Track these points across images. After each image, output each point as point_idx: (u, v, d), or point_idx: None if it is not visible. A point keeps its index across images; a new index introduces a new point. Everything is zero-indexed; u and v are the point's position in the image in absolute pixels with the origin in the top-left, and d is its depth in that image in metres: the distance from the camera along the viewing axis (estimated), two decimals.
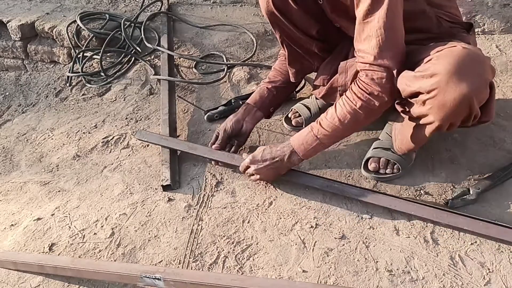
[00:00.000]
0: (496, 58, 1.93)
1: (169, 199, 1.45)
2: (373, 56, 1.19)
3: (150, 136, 1.66)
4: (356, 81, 1.26)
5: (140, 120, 1.89)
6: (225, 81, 2.03)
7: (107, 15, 2.39)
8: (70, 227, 1.39)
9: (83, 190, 1.55)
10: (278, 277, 1.18)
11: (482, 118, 1.20)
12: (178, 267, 1.23)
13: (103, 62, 2.21)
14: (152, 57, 2.24)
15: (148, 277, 1.14)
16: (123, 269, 1.18)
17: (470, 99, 1.11)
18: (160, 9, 2.47)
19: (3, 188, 1.64)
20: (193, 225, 1.35)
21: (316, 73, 1.60)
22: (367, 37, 1.19)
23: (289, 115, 1.70)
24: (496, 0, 2.00)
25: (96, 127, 1.88)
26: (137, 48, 2.26)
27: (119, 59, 2.25)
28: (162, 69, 2.10)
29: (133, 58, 2.24)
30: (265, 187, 1.44)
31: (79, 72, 2.24)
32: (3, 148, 1.89)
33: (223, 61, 2.12)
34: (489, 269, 1.14)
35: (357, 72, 1.32)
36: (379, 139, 1.49)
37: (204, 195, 1.45)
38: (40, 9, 2.58)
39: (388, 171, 1.42)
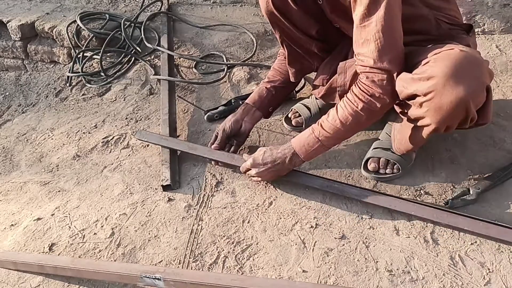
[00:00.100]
0: (496, 58, 1.93)
1: (169, 199, 1.45)
2: (372, 59, 1.19)
3: (150, 136, 1.66)
4: (357, 83, 1.26)
5: (140, 120, 1.89)
6: (225, 81, 2.03)
7: (107, 15, 2.39)
8: (70, 227, 1.39)
9: (83, 190, 1.55)
10: (278, 277, 1.18)
11: (479, 121, 1.20)
12: (178, 267, 1.23)
13: (103, 62, 2.21)
14: (152, 57, 2.24)
15: (148, 277, 1.14)
16: (123, 269, 1.18)
17: (467, 102, 1.11)
18: (160, 9, 2.47)
19: (3, 188, 1.64)
20: (193, 225, 1.35)
21: (315, 73, 1.60)
22: (366, 41, 1.19)
23: (289, 115, 1.70)
24: (496, 0, 2.00)
25: (96, 127, 1.88)
26: (137, 48, 2.26)
27: (119, 59, 2.25)
28: (162, 69, 2.10)
29: (133, 58, 2.25)
30: (265, 187, 1.44)
31: (79, 72, 2.24)
32: (3, 148, 1.89)
33: (223, 61, 2.12)
34: (489, 269, 1.14)
35: (356, 73, 1.32)
36: (379, 139, 1.50)
37: (204, 195, 1.45)
38: (40, 9, 2.58)
39: (388, 171, 1.42)
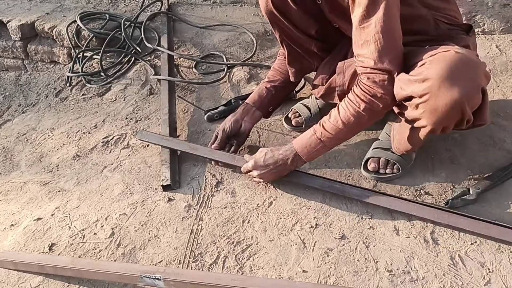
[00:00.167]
0: (496, 58, 1.93)
1: (169, 199, 1.45)
2: (373, 60, 1.19)
3: (151, 136, 1.66)
4: (358, 83, 1.26)
5: (140, 120, 1.89)
6: (225, 81, 2.03)
7: (107, 15, 2.39)
8: (70, 227, 1.39)
9: (83, 190, 1.55)
10: (278, 277, 1.18)
11: (476, 122, 1.20)
12: (178, 267, 1.23)
13: (103, 62, 2.21)
14: (152, 57, 2.24)
15: (148, 277, 1.14)
16: (123, 269, 1.18)
17: (462, 104, 1.11)
18: (160, 9, 2.47)
19: (3, 188, 1.64)
20: (193, 225, 1.35)
21: (315, 73, 1.60)
22: (365, 42, 1.19)
23: (289, 115, 1.70)
24: (496, 0, 2.00)
25: (96, 127, 1.88)
26: (137, 48, 2.26)
27: (119, 59, 2.25)
28: (162, 69, 2.10)
29: (133, 58, 2.24)
30: (265, 187, 1.44)
31: (79, 72, 2.24)
32: (3, 148, 1.89)
33: (223, 61, 2.12)
34: (489, 269, 1.14)
35: (355, 73, 1.32)
36: (379, 139, 1.50)
37: (204, 195, 1.45)
38: (40, 9, 2.58)
39: (388, 171, 1.42)
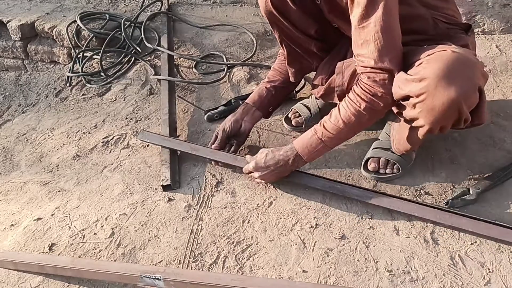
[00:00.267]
0: (496, 58, 1.93)
1: (169, 199, 1.45)
2: (373, 60, 1.19)
3: (152, 137, 1.66)
4: (358, 83, 1.26)
5: (140, 120, 1.89)
6: (225, 81, 2.03)
7: (107, 15, 2.39)
8: (70, 227, 1.39)
9: (83, 190, 1.55)
10: (278, 277, 1.18)
11: (473, 121, 1.20)
12: (178, 267, 1.23)
13: (103, 62, 2.21)
14: (152, 57, 2.24)
15: (148, 277, 1.14)
16: (123, 269, 1.18)
17: (459, 103, 1.11)
18: (160, 9, 2.47)
19: (3, 188, 1.64)
20: (193, 225, 1.35)
21: (315, 73, 1.60)
22: (365, 42, 1.19)
23: (289, 115, 1.70)
24: (496, 0, 2.00)
25: (96, 127, 1.88)
26: (137, 48, 2.26)
27: (119, 59, 2.25)
28: (162, 69, 2.10)
29: (133, 58, 2.24)
30: (265, 187, 1.44)
31: (79, 72, 2.24)
32: (3, 148, 1.89)
33: (223, 61, 2.12)
34: (489, 269, 1.14)
35: (354, 73, 1.32)
36: (379, 139, 1.50)
37: (204, 195, 1.45)
38: (40, 9, 2.58)
39: (388, 171, 1.42)
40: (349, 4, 1.20)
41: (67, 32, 2.32)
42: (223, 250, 1.26)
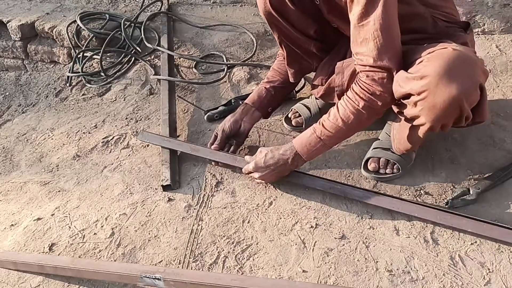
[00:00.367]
0: (496, 58, 1.93)
1: (169, 199, 1.45)
2: (372, 58, 1.19)
3: (152, 137, 1.66)
4: (357, 81, 1.26)
5: (140, 120, 1.89)
6: (225, 81, 2.03)
7: (107, 15, 2.39)
8: (70, 227, 1.39)
9: (83, 190, 1.55)
10: (278, 277, 1.18)
11: (475, 119, 1.21)
12: (178, 267, 1.23)
13: (103, 62, 2.21)
14: (152, 57, 2.24)
15: (148, 277, 1.14)
16: (123, 269, 1.18)
17: (460, 101, 1.11)
18: (160, 9, 2.47)
19: (3, 188, 1.64)
20: (193, 225, 1.35)
21: (315, 73, 1.60)
22: (364, 40, 1.19)
23: (289, 115, 1.70)
24: (496, 0, 2.00)
25: (96, 127, 1.88)
26: (137, 48, 2.26)
27: (119, 59, 2.25)
28: (162, 69, 2.10)
29: (133, 58, 2.24)
30: (265, 187, 1.44)
31: (79, 72, 2.24)
32: (3, 148, 1.89)
33: (223, 61, 2.12)
34: (489, 269, 1.14)
35: (354, 73, 1.32)
36: (379, 139, 1.50)
37: (204, 195, 1.45)
38: (40, 9, 2.58)
39: (388, 171, 1.42)
40: (348, 2, 1.20)
41: (67, 32, 2.32)
42: (223, 250, 1.26)
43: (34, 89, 2.32)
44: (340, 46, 1.51)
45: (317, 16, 1.42)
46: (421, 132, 1.25)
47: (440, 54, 1.13)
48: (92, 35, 2.28)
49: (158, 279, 1.13)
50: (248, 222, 1.34)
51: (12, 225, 1.45)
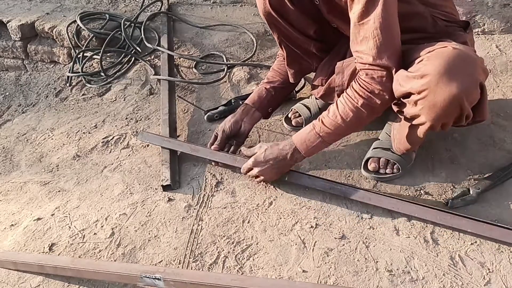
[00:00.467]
0: (496, 58, 1.93)
1: (169, 199, 1.45)
2: (371, 56, 1.20)
3: (152, 138, 1.66)
4: (356, 79, 1.26)
5: (140, 120, 1.89)
6: (225, 81, 2.03)
7: (107, 15, 2.39)
8: (70, 227, 1.39)
9: (83, 190, 1.55)
10: (278, 277, 1.18)
11: (475, 118, 1.21)
12: (178, 267, 1.23)
13: (103, 62, 2.21)
14: (152, 57, 2.24)
15: (148, 277, 1.14)
16: (123, 269, 1.18)
17: (460, 99, 1.11)
18: (160, 9, 2.47)
19: (3, 188, 1.64)
20: (193, 225, 1.35)
21: (315, 73, 1.60)
22: (364, 39, 1.20)
23: (289, 115, 1.70)
24: (496, 0, 2.00)
25: (96, 127, 1.88)
26: (137, 48, 2.26)
27: (119, 59, 2.25)
28: (162, 69, 2.10)
29: (133, 58, 2.25)
30: (265, 187, 1.44)
31: (79, 72, 2.24)
32: (3, 148, 1.89)
33: (223, 61, 2.12)
34: (489, 269, 1.14)
35: (354, 72, 1.32)
36: (379, 139, 1.50)
37: (204, 195, 1.45)
38: (40, 9, 2.58)
39: (388, 171, 1.42)
40: (348, 1, 1.20)
41: (67, 32, 2.32)
42: (223, 250, 1.26)
43: (34, 89, 2.32)
44: (340, 46, 1.51)
45: (316, 16, 1.42)
46: (421, 131, 1.25)
47: (440, 53, 1.13)
48: (92, 35, 2.28)
49: (158, 279, 1.13)
50: (248, 222, 1.34)
51: (12, 225, 1.45)
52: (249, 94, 1.66)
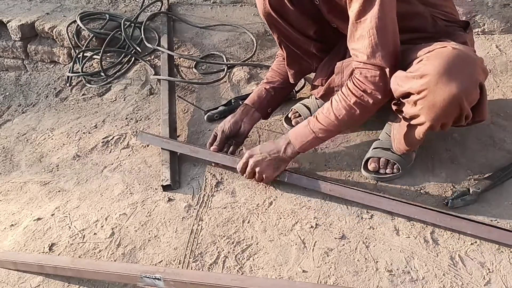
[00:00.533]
0: (496, 58, 1.93)
1: (169, 199, 1.45)
2: (366, 55, 1.21)
3: (151, 138, 1.66)
4: (351, 78, 1.27)
5: (140, 120, 1.89)
6: (225, 81, 2.03)
7: (107, 15, 2.39)
8: (70, 227, 1.39)
9: (83, 190, 1.55)
10: (278, 277, 1.18)
11: (475, 118, 1.21)
12: (178, 267, 1.23)
13: (103, 62, 2.21)
14: (152, 57, 2.24)
15: (148, 277, 1.14)
16: (123, 269, 1.18)
17: (460, 99, 1.11)
18: (160, 9, 2.47)
19: (3, 188, 1.64)
20: (193, 225, 1.35)
21: (315, 73, 1.60)
22: (360, 37, 1.20)
23: (289, 115, 1.70)
24: (496, 0, 2.00)
25: (96, 127, 1.88)
26: (137, 48, 2.26)
27: (119, 59, 2.25)
28: (162, 69, 2.10)
29: (133, 58, 2.25)
30: (265, 187, 1.44)
31: (79, 72, 2.24)
32: (3, 148, 1.89)
33: (223, 61, 2.12)
34: (489, 269, 1.14)
35: (353, 72, 1.32)
36: (379, 139, 1.50)
37: (204, 195, 1.45)
38: (40, 9, 2.58)
39: (388, 171, 1.42)
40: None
41: (67, 32, 2.32)
42: (223, 250, 1.26)
43: (34, 89, 2.32)
44: (339, 46, 1.51)
45: (316, 17, 1.42)
46: (421, 131, 1.25)
47: (440, 53, 1.13)
48: (92, 35, 2.28)
49: (158, 279, 1.13)
50: (248, 222, 1.34)
51: (12, 225, 1.45)
52: (249, 94, 1.66)
